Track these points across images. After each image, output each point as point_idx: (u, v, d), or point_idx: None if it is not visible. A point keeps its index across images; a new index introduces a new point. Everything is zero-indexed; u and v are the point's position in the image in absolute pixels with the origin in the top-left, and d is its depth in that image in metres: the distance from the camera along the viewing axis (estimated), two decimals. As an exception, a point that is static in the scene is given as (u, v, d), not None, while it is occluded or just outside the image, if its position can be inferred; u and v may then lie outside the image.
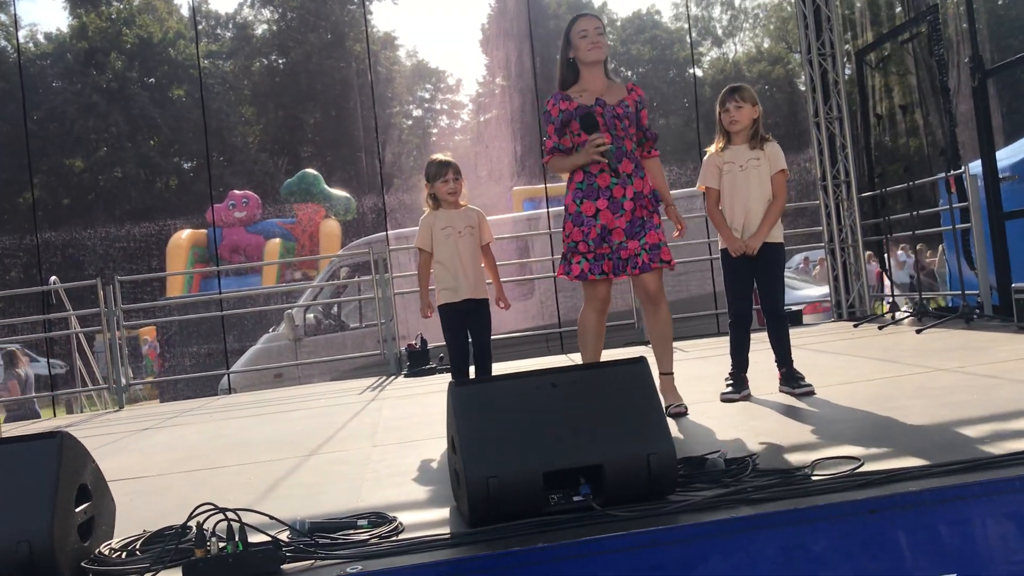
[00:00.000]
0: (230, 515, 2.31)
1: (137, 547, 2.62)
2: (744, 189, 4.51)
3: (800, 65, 9.64)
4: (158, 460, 4.70)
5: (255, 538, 2.35)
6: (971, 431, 3.07)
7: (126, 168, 33.25)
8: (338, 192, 24.32)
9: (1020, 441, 2.79)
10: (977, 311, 6.95)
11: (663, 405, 3.47)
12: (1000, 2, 26.75)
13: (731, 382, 4.57)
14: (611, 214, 4.16)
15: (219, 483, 3.80)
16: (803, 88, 9.97)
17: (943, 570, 2.33)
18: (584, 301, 4.40)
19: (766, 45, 42.90)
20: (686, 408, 4.21)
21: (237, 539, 2.28)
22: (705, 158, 4.67)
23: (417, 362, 8.08)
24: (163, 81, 35.30)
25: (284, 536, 2.46)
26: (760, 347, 4.86)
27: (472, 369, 4.70)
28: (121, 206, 32.02)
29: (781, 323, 4.60)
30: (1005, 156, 8.12)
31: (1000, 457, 2.59)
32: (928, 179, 8.07)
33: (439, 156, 4.71)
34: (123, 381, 8.71)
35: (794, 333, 4.67)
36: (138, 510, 3.35)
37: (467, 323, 4.65)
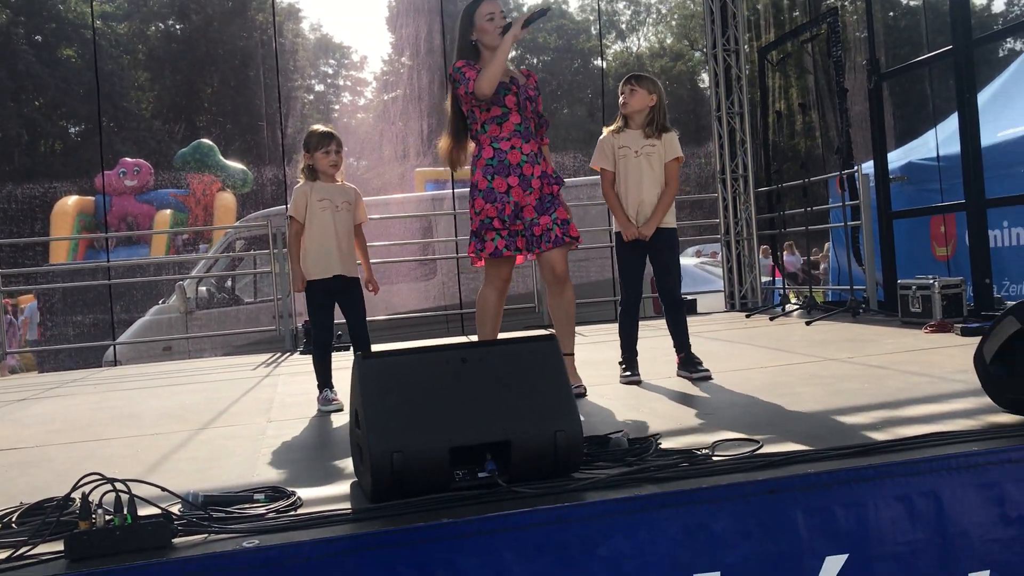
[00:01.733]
0: (119, 486, 2.19)
1: (13, 520, 2.46)
2: (637, 175, 4.56)
3: (700, 63, 9.81)
4: (36, 431, 4.46)
5: (145, 511, 2.23)
6: (862, 418, 3.18)
7: (8, 128, 31.51)
8: (234, 164, 23.62)
9: (909, 427, 2.90)
10: (863, 305, 7.22)
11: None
12: (892, 13, 27.90)
13: (626, 366, 4.63)
14: (522, 191, 4.16)
15: (104, 455, 3.62)
16: (702, 84, 10.16)
17: (837, 550, 2.40)
18: (485, 280, 4.38)
19: (668, 41, 43.64)
20: (585, 390, 4.24)
21: (125, 511, 2.17)
22: (600, 139, 4.71)
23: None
24: (51, 39, 33.54)
25: (176, 509, 2.35)
26: (654, 333, 4.94)
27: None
28: (0, 167, 30.35)
29: (678, 308, 4.68)
30: (896, 158, 8.45)
31: (892, 442, 2.68)
32: (822, 177, 8.34)
33: (321, 127, 4.55)
34: (2, 348, 8.26)
35: (688, 321, 4.75)
36: (12, 483, 3.17)
37: (337, 302, 4.51)
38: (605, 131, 4.72)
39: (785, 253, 13.09)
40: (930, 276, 6.27)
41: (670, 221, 4.62)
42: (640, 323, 4.76)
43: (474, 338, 4.91)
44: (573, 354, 4.37)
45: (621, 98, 4.60)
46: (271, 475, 3.01)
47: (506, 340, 2.76)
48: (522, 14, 4.34)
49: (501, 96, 4.19)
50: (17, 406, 5.61)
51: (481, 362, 2.56)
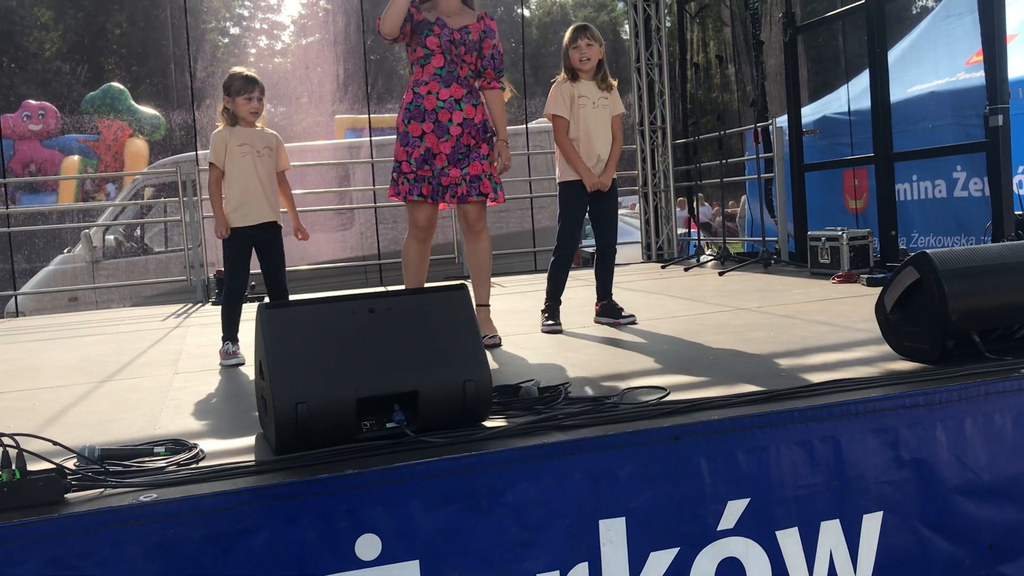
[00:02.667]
0: (6, 440, 2.11)
1: None
2: (597, 126, 4.61)
3: (623, 14, 9.78)
4: (-72, 385, 4.27)
5: (36, 466, 2.15)
6: (768, 365, 3.25)
7: None
8: (147, 109, 22.78)
9: (812, 374, 2.98)
10: (775, 257, 7.37)
11: (479, 335, 3.46)
12: (810, -33, 28.15)
13: (548, 315, 4.64)
14: (436, 138, 4.10)
15: (-1, 409, 3.49)
16: (624, 36, 10.14)
17: (739, 495, 2.46)
18: (408, 227, 4.32)
19: (593, -10, 43.42)
20: (500, 340, 4.24)
21: (14, 466, 2.08)
22: (555, 87, 4.66)
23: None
24: (-57, -28, 31.72)
25: (71, 464, 2.27)
26: (574, 283, 4.97)
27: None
28: None
29: (613, 257, 4.76)
30: (809, 112, 8.59)
31: (792, 390, 2.74)
32: (738, 129, 8.44)
33: (243, 70, 4.36)
34: None
35: (606, 271, 4.79)
36: (-100, 438, 3.02)
37: (256, 251, 4.37)
38: (557, 79, 4.67)
39: (698, 205, 13.30)
40: (839, 228, 6.43)
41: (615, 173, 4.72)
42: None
43: (393, 288, 4.85)
44: (488, 305, 4.35)
45: (576, 52, 4.55)
46: (175, 428, 2.93)
47: (415, 290, 2.73)
48: None
49: (423, 37, 4.10)
50: (-91, 359, 5.36)
51: (389, 312, 2.52)
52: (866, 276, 5.70)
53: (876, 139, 6.47)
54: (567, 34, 4.65)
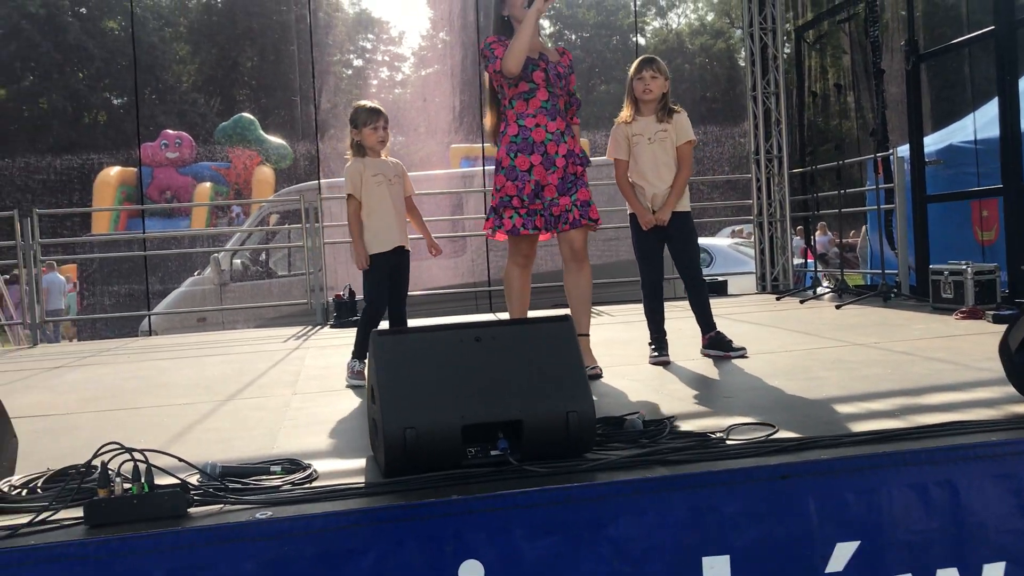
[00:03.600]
0: (136, 455, 2.25)
1: (38, 485, 2.53)
2: (651, 161, 4.59)
3: (740, 40, 9.69)
4: (69, 399, 4.56)
5: (163, 480, 2.29)
6: (883, 404, 3.15)
7: (52, 100, 31.96)
8: (274, 139, 23.78)
9: (929, 415, 2.87)
10: (895, 290, 7.13)
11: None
12: (936, -8, 27.25)
13: (655, 347, 4.62)
14: (544, 170, 4.16)
15: (131, 424, 3.70)
16: (742, 63, 10.04)
17: (848, 537, 2.39)
18: (508, 256, 4.40)
19: (709, 18, 43.07)
20: (600, 371, 4.23)
21: (143, 480, 2.22)
22: (613, 129, 4.71)
23: (344, 313, 7.99)
24: (95, 12, 33.90)
25: (194, 480, 2.40)
26: (682, 314, 4.93)
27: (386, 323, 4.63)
28: (44, 139, 30.78)
29: (700, 289, 4.71)
30: (933, 142, 8.31)
31: (908, 430, 2.66)
32: (857, 159, 8.23)
33: (368, 103, 4.58)
34: (39, 318, 8.43)
35: (718, 303, 4.76)
36: (44, 448, 3.24)
37: (390, 273, 4.56)
38: (617, 120, 4.70)
39: (817, 234, 12.97)
40: (963, 262, 6.18)
41: (684, 205, 4.66)
42: (670, 303, 4.76)
43: (503, 315, 4.93)
44: (588, 335, 4.36)
45: (640, 83, 4.57)
46: (291, 447, 3.05)
47: (521, 320, 2.78)
48: None
49: (529, 72, 4.17)
50: (52, 374, 5.74)
51: (495, 341, 2.57)
52: (992, 313, 5.46)
53: (1005, 169, 6.21)
54: (633, 66, 4.67)
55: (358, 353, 4.50)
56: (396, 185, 4.55)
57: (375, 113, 4.50)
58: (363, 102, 4.61)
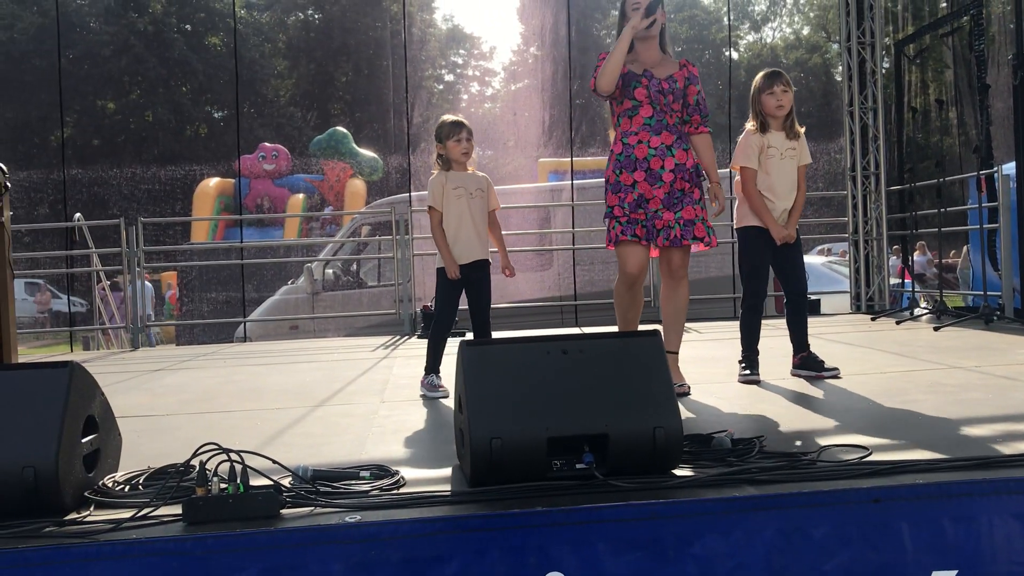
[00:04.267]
0: (233, 456, 2.32)
1: (140, 482, 2.64)
2: (783, 177, 4.53)
3: (837, 55, 9.51)
4: (168, 400, 4.73)
5: (257, 481, 2.36)
6: (983, 429, 3.05)
7: (157, 113, 33.29)
8: (366, 152, 24.26)
9: (1032, 443, 2.76)
10: (998, 312, 6.87)
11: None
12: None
13: (746, 364, 4.55)
14: (648, 185, 4.14)
15: (226, 426, 3.82)
16: (839, 78, 9.84)
17: (944, 566, 2.32)
18: (619, 272, 4.35)
19: (805, 32, 42.31)
20: (688, 388, 4.18)
21: (239, 481, 2.29)
22: (744, 136, 4.60)
23: (432, 324, 8.08)
24: (199, 28, 35.22)
25: (286, 482, 2.47)
26: (771, 332, 4.84)
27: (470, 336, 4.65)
28: (149, 150, 32.07)
29: (803, 306, 4.63)
30: (1041, 159, 7.98)
31: (1011, 457, 2.56)
32: (958, 176, 7.97)
33: (451, 116, 4.63)
34: (140, 322, 8.77)
35: (811, 322, 4.65)
36: (144, 447, 3.37)
37: (466, 288, 4.58)
38: (748, 128, 4.63)
39: (916, 253, 12.58)
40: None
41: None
42: (762, 322, 4.69)
43: (588, 329, 4.91)
44: (677, 352, 4.32)
45: (772, 99, 4.50)
46: (379, 454, 3.11)
47: (608, 334, 2.78)
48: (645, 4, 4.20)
49: (631, 89, 4.16)
50: (152, 376, 5.97)
51: (582, 354, 2.58)
52: (1104, 338, 5.21)
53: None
54: (760, 80, 4.57)
55: (431, 367, 4.55)
56: (478, 199, 4.56)
57: (458, 126, 4.55)
58: (447, 116, 4.66)
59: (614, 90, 4.16)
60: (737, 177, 4.65)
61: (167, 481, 2.50)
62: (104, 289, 10.92)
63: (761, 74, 4.62)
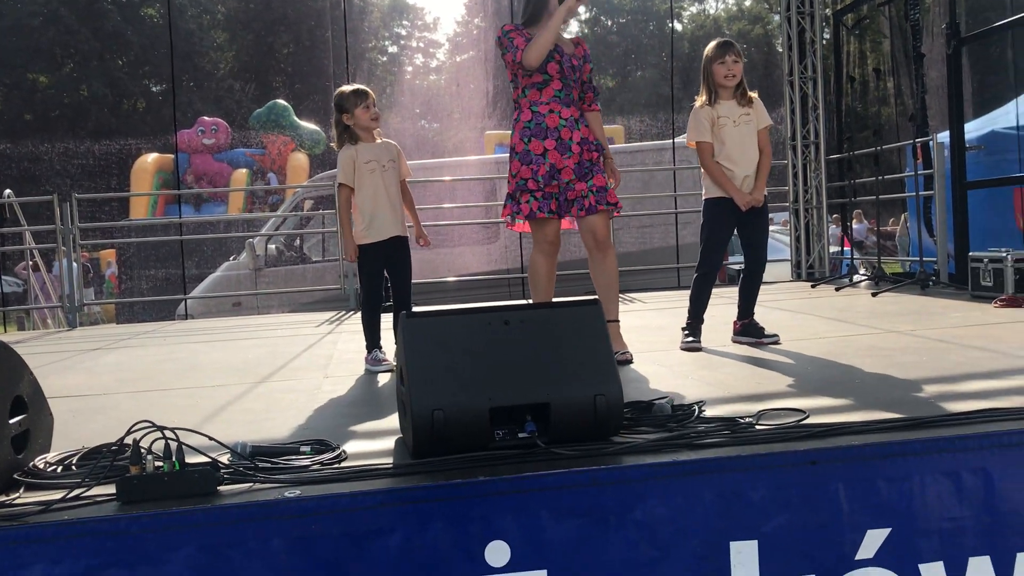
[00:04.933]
0: (168, 434, 2.27)
1: (73, 462, 2.58)
2: (740, 144, 4.54)
3: (778, 26, 9.57)
4: (105, 380, 4.63)
5: (194, 459, 2.31)
6: (917, 391, 3.11)
7: (92, 87, 32.38)
8: (308, 125, 23.91)
9: (964, 403, 2.83)
10: (933, 278, 7.03)
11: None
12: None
13: (689, 332, 4.59)
14: (559, 154, 4.16)
15: (165, 405, 3.75)
16: (780, 49, 9.91)
17: (879, 524, 2.37)
18: (533, 243, 4.38)
19: (747, 3, 42.59)
20: (631, 356, 4.21)
21: (174, 459, 2.25)
22: (694, 112, 4.61)
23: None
24: (134, -1, 34.28)
25: (224, 459, 2.43)
26: (718, 301, 4.89)
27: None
28: (84, 125, 31.20)
29: (759, 275, 4.70)
30: (974, 128, 8.17)
31: (941, 417, 2.62)
32: (895, 145, 8.11)
33: (349, 86, 4.47)
34: (76, 300, 8.57)
35: (752, 290, 4.70)
36: (79, 427, 3.30)
37: (387, 264, 4.50)
38: (697, 104, 4.63)
39: (853, 222, 12.80)
40: (1003, 249, 6.07)
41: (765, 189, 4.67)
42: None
43: (530, 301, 4.91)
44: (617, 320, 4.34)
45: (722, 67, 4.50)
46: (321, 428, 3.08)
47: (549, 304, 2.77)
48: None
49: (544, 64, 4.18)
50: (90, 355, 5.83)
51: (523, 324, 2.57)
52: (1033, 301, 5.36)
53: (1048, 155, 6.08)
54: (711, 49, 4.58)
55: (371, 343, 4.49)
56: (390, 170, 4.43)
57: (363, 93, 4.39)
58: (345, 87, 4.49)
59: (538, 66, 4.17)
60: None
61: (100, 461, 2.44)
62: (27, 269, 10.65)
63: (712, 44, 4.63)
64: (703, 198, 4.69)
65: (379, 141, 4.51)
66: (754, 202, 4.52)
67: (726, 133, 4.53)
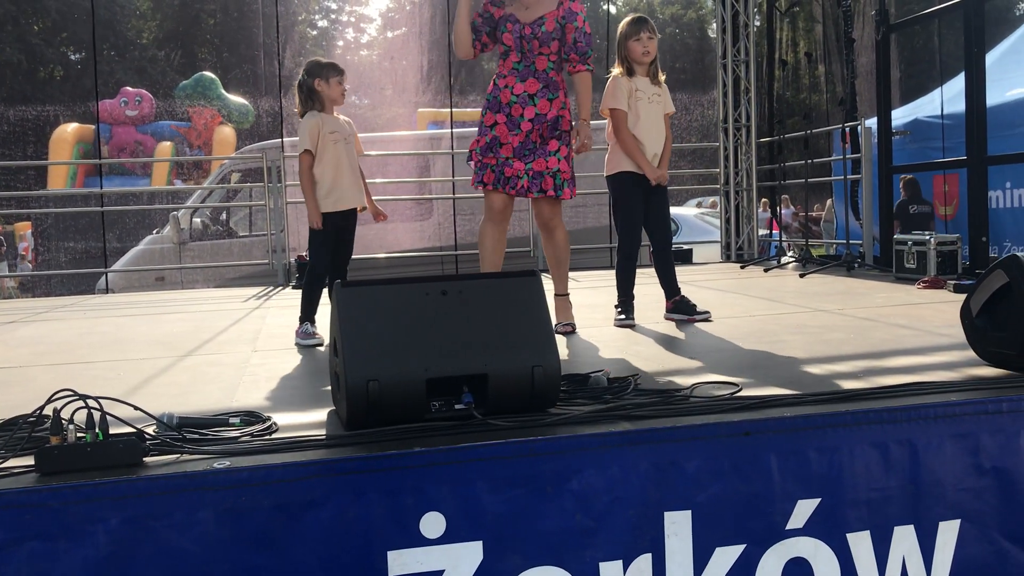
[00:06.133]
0: (91, 403, 2.19)
1: (-12, 434, 2.46)
2: (652, 121, 4.56)
3: (711, 11, 9.65)
4: (21, 352, 4.46)
5: (119, 430, 2.23)
6: (845, 366, 3.17)
7: (6, 53, 31.07)
8: (236, 98, 23.36)
9: (890, 377, 2.90)
10: (859, 260, 7.19)
11: (554, 322, 3.45)
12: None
13: (621, 309, 4.61)
14: (507, 130, 4.17)
15: (86, 377, 3.62)
16: (712, 34, 10.01)
17: (809, 494, 2.41)
18: (484, 211, 4.36)
19: (681, -12, 42.91)
20: (574, 327, 4.26)
21: (97, 429, 2.16)
22: (614, 79, 4.59)
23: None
24: (52, -38, 32.94)
25: (150, 430, 2.35)
26: (646, 280, 4.93)
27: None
28: (-1, 92, 29.96)
29: (668, 253, 4.76)
30: (900, 116, 8.36)
31: (869, 390, 2.68)
32: (824, 129, 8.27)
33: (324, 59, 4.47)
34: (-9, 273, 8.24)
35: (683, 271, 4.79)
36: (-6, 399, 3.16)
37: (335, 234, 4.46)
38: (614, 72, 4.62)
39: (781, 207, 13.05)
40: (926, 232, 6.24)
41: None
42: (637, 270, 4.74)
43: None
44: (567, 294, 4.40)
45: (638, 44, 4.50)
46: (250, 401, 3.00)
47: (487, 275, 2.75)
48: None
49: (500, 34, 4.19)
50: (4, 328, 5.61)
51: (461, 295, 2.53)
52: (953, 283, 5.52)
53: (969, 142, 6.25)
54: (625, 26, 4.57)
55: (305, 316, 4.41)
56: (350, 144, 4.42)
57: (339, 68, 4.40)
58: (319, 58, 4.50)
59: (474, 53, 4.20)
60: (607, 125, 4.64)
61: (17, 432, 2.33)
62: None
63: (626, 20, 4.62)
64: (607, 174, 4.64)
65: (336, 116, 4.45)
66: (662, 179, 4.55)
67: (642, 107, 4.54)
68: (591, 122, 4.26)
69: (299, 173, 4.38)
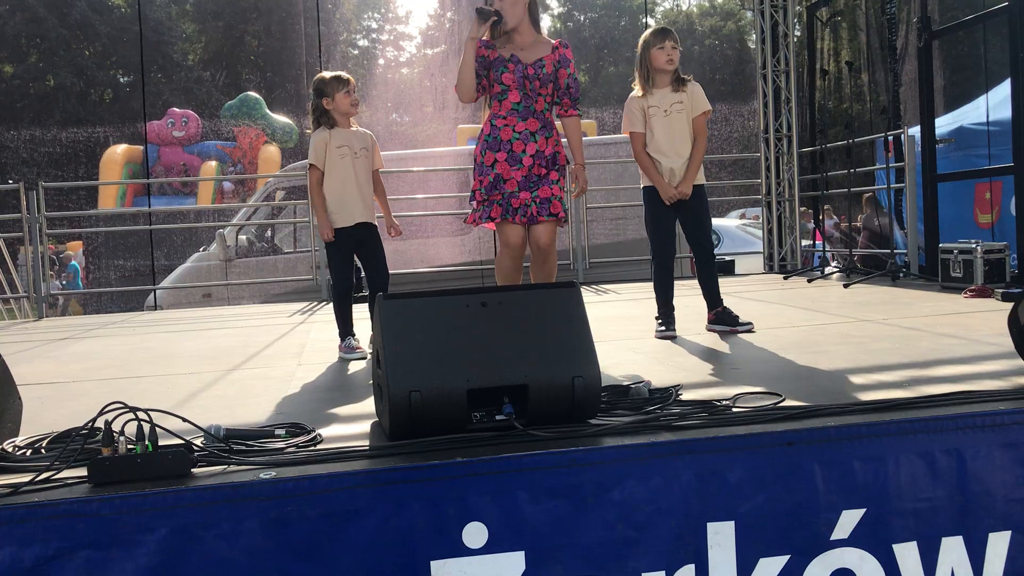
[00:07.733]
0: (141, 415, 2.24)
1: (43, 445, 2.53)
2: (670, 134, 4.55)
3: (750, 22, 9.61)
4: (74, 368, 4.56)
5: (168, 442, 2.28)
6: (890, 376, 3.14)
7: (59, 77, 31.85)
8: (280, 117, 23.67)
9: (936, 387, 2.85)
10: (904, 269, 7.10)
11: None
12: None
13: (662, 321, 4.61)
14: (508, 166, 4.19)
15: (136, 391, 3.70)
16: (752, 45, 9.96)
17: (854, 504, 2.38)
18: (500, 245, 4.38)
19: (719, 0, 42.76)
20: None
21: (147, 440, 2.22)
22: (628, 102, 4.67)
23: (349, 289, 7.97)
24: (102, -12, 33.76)
25: (198, 441, 2.40)
26: (687, 292, 4.91)
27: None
28: (51, 115, 30.69)
29: (710, 263, 4.70)
30: (944, 123, 8.23)
31: (914, 399, 2.64)
32: (867, 138, 8.17)
33: (329, 72, 4.51)
34: (44, 290, 8.44)
35: (725, 282, 4.75)
36: (48, 413, 3.25)
37: (357, 251, 4.54)
38: (633, 94, 4.66)
39: (823, 217, 12.91)
40: (973, 240, 6.14)
41: (699, 178, 4.65)
42: (676, 282, 4.73)
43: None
44: None
45: (661, 53, 4.52)
46: (295, 414, 3.05)
47: (527, 286, 2.76)
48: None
49: (499, 74, 4.20)
50: (58, 345, 5.75)
51: (501, 306, 2.56)
52: (1001, 291, 5.42)
53: (1017, 149, 6.15)
54: (649, 35, 4.60)
55: (344, 331, 4.49)
56: (363, 158, 4.46)
57: (344, 79, 4.44)
58: (325, 72, 4.53)
59: (476, 96, 4.23)
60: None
61: (71, 443, 2.40)
62: (7, 258, 10.47)
63: (650, 31, 4.65)
64: (641, 186, 4.71)
65: (355, 129, 4.51)
66: (680, 195, 4.54)
67: (655, 123, 4.56)
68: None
69: (308, 188, 4.47)
